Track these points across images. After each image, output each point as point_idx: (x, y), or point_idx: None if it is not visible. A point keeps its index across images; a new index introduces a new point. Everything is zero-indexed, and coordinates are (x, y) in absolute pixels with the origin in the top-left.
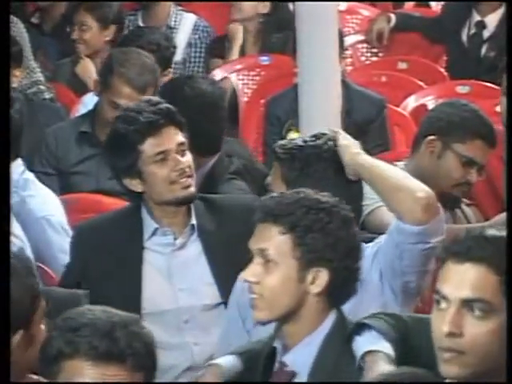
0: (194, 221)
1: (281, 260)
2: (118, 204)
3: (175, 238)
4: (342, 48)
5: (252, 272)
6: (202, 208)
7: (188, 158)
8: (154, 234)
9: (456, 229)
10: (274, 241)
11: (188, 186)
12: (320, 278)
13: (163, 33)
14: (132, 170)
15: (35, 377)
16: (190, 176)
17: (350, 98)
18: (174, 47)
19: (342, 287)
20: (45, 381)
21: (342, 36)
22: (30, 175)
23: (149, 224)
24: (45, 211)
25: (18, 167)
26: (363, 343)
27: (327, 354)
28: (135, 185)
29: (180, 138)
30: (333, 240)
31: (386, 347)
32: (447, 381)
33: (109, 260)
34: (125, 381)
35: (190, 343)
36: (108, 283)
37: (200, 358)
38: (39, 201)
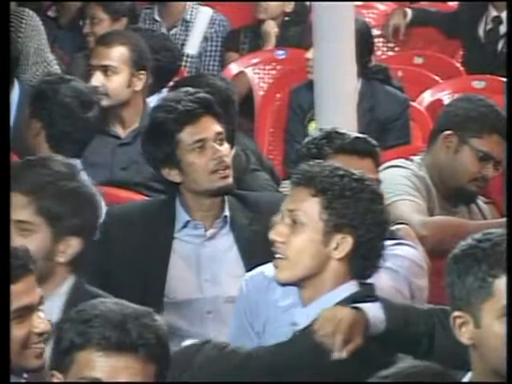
0: (227, 212)
1: (308, 222)
2: (134, 198)
3: (206, 230)
4: (370, 42)
5: (279, 232)
6: (235, 202)
7: (226, 148)
8: (185, 226)
9: (475, 225)
10: (304, 203)
11: (226, 177)
12: (344, 244)
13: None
14: (171, 160)
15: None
16: (227, 167)
17: (374, 94)
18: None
19: (364, 258)
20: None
21: (369, 29)
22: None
23: (181, 216)
24: None
25: None
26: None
27: None
28: (174, 175)
29: (217, 127)
30: (362, 209)
31: (374, 312)
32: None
33: (136, 246)
34: (137, 372)
35: (210, 335)
36: (132, 269)
37: None
38: None
